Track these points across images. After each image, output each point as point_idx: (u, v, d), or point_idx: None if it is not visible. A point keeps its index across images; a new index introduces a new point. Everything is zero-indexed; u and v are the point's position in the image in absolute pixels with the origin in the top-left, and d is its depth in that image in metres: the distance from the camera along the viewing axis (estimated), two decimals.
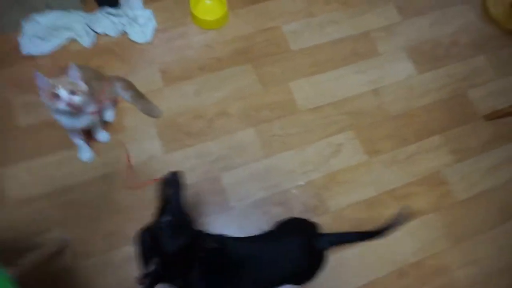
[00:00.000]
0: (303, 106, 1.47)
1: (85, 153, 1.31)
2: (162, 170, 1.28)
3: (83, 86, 1.06)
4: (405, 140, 1.47)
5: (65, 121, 1.12)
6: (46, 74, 1.27)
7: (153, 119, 1.39)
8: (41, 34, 1.45)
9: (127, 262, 1.20)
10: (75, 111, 1.06)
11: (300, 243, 0.99)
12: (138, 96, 1.37)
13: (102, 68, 1.45)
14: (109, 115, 1.36)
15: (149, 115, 1.39)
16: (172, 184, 0.89)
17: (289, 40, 1.57)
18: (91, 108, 1.14)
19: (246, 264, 0.95)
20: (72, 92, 1.03)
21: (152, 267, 0.80)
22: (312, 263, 1.01)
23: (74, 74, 1.05)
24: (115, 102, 1.38)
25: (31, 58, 1.45)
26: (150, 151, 1.36)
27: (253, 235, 1.08)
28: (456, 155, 1.47)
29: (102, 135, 1.33)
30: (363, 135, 1.46)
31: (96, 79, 1.22)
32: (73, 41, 1.50)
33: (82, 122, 1.14)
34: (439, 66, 1.61)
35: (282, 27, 1.59)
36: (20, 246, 1.20)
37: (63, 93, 1.01)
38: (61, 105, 1.02)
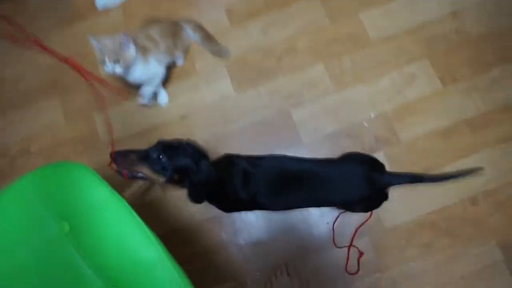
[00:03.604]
0: (375, 37, 1.47)
1: (163, 98, 1.47)
2: (235, 109, 1.43)
3: (131, 52, 1.18)
4: (488, 65, 1.43)
5: (132, 78, 1.27)
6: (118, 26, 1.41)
7: (224, 61, 1.50)
8: None
9: None
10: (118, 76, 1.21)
11: (363, 172, 1.07)
12: (207, 38, 1.46)
13: (170, 13, 1.56)
14: (180, 61, 1.49)
15: (218, 56, 1.49)
16: (123, 154, 1.05)
17: None
18: (142, 70, 1.27)
19: (304, 178, 1.09)
20: (116, 61, 1.16)
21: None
22: (369, 194, 1.08)
23: (126, 44, 1.17)
24: (187, 48, 1.50)
25: (106, 10, 1.60)
26: (223, 91, 1.48)
27: (316, 158, 1.18)
28: None
29: (162, 98, 1.47)
30: (439, 62, 1.44)
31: (170, 35, 1.34)
32: None
33: (134, 79, 1.28)
34: None
35: None
36: (118, 181, 1.43)
37: (107, 62, 1.16)
38: (108, 70, 1.18)
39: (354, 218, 1.32)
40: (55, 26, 1.61)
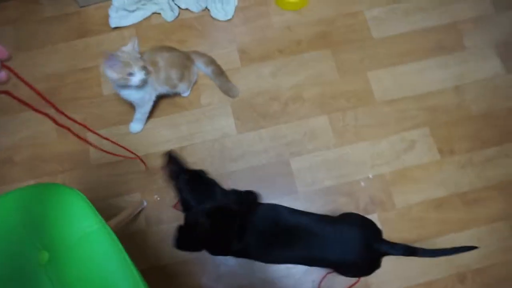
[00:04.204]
0: (380, 98, 1.50)
1: (136, 126, 1.44)
2: (235, 149, 1.42)
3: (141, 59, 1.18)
4: (484, 143, 1.47)
5: (125, 93, 1.24)
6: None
7: (229, 99, 1.50)
8: (128, 7, 1.58)
9: None
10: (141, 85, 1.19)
11: (359, 235, 1.03)
12: (220, 73, 1.46)
13: (182, 43, 1.57)
14: (185, 93, 1.48)
15: (226, 93, 1.49)
16: (171, 159, 1.06)
17: (371, 27, 1.58)
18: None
19: (299, 234, 1.04)
20: (143, 67, 1.15)
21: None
22: (364, 260, 1.04)
23: (137, 48, 1.16)
24: (194, 81, 1.49)
25: (118, 28, 1.59)
26: (224, 129, 1.47)
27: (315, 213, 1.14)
28: None
29: (135, 125, 1.45)
30: (439, 133, 1.47)
31: (177, 66, 1.33)
32: (155, 14, 1.62)
33: (126, 96, 1.25)
34: None
35: (365, 12, 1.60)
36: (101, 206, 1.37)
37: (139, 73, 1.14)
38: (135, 82, 1.14)
39: (341, 279, 1.29)
40: (66, 35, 1.58)
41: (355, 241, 1.03)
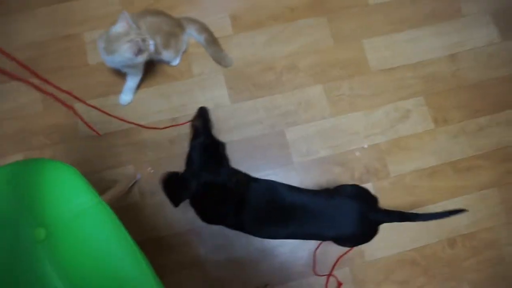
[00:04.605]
0: (375, 67, 1.48)
1: (126, 97, 1.38)
2: (229, 120, 1.38)
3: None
4: (477, 112, 1.47)
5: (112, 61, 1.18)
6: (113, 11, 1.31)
7: (222, 68, 1.44)
8: None
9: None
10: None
11: (356, 207, 1.03)
12: (213, 42, 1.40)
13: (172, 9, 1.48)
14: (174, 61, 1.41)
15: (219, 63, 1.43)
16: (201, 116, 1.06)
17: None
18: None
19: (295, 211, 1.04)
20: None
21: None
22: (362, 231, 1.06)
23: (132, 22, 1.10)
24: (184, 49, 1.43)
25: None
26: (217, 99, 1.43)
27: (310, 188, 1.15)
28: None
29: (125, 96, 1.38)
30: (433, 102, 1.47)
31: (164, 33, 1.27)
32: None
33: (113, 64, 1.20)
34: None
35: None
36: (94, 180, 1.33)
37: (151, 40, 1.09)
38: (152, 49, 1.12)
39: (336, 247, 1.30)
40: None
41: (351, 215, 1.03)
